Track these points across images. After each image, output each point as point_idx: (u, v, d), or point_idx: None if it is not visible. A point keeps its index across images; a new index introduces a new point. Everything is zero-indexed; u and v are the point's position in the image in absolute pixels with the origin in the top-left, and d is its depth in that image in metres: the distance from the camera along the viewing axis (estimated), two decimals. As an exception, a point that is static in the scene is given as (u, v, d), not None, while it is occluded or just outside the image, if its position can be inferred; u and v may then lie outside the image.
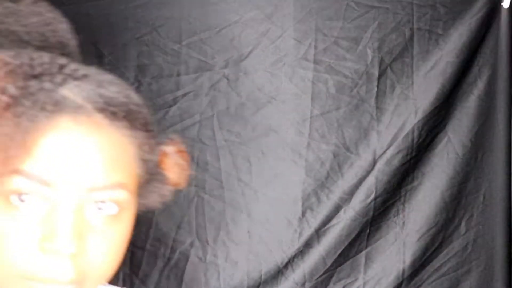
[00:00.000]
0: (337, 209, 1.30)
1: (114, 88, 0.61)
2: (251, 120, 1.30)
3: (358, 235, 1.32)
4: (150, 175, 0.65)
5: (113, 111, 0.59)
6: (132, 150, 0.61)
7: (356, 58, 1.29)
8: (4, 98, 0.55)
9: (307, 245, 1.29)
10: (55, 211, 0.56)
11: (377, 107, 1.30)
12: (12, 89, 0.55)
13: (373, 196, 1.31)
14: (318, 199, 1.31)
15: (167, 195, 0.69)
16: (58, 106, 0.56)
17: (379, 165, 1.31)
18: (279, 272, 1.30)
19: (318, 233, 1.30)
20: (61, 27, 0.73)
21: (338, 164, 1.31)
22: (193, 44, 1.26)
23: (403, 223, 1.33)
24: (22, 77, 0.57)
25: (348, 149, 1.31)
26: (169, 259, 1.30)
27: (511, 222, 1.32)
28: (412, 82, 1.30)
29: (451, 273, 1.34)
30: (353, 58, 1.29)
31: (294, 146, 1.29)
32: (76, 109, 0.57)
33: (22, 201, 0.55)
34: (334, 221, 1.31)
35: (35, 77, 0.57)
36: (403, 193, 1.33)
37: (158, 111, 1.26)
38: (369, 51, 1.29)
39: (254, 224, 1.30)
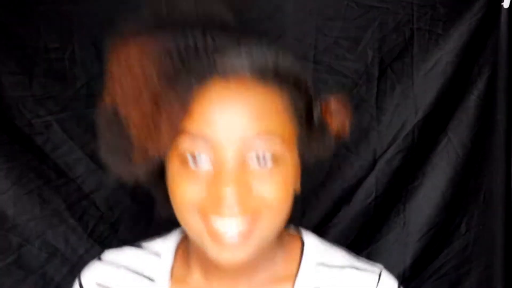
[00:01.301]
0: (337, 209, 1.30)
1: (263, 50, 0.70)
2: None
3: (358, 235, 1.32)
4: (310, 125, 0.74)
5: (262, 71, 0.68)
6: (284, 103, 0.69)
7: (356, 58, 1.29)
8: (164, 67, 0.65)
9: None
10: (220, 166, 0.66)
11: (377, 107, 1.30)
12: (168, 59, 0.66)
13: (373, 196, 1.31)
14: (318, 199, 1.30)
15: (330, 145, 0.77)
16: (211, 71, 0.66)
17: (380, 165, 1.31)
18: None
19: (318, 233, 1.29)
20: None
21: (338, 164, 1.30)
22: (193, 44, 1.26)
23: (404, 223, 1.32)
24: (176, 49, 0.66)
25: (348, 149, 1.30)
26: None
27: (511, 222, 1.32)
28: (412, 82, 1.29)
29: (452, 273, 1.34)
30: (353, 58, 1.29)
31: (294, 146, 1.29)
32: (228, 72, 0.67)
33: (194, 159, 0.67)
34: (334, 221, 1.31)
35: (189, 46, 0.66)
36: (403, 193, 1.32)
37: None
38: (369, 51, 1.29)
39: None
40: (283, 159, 0.69)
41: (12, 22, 1.20)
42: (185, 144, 0.67)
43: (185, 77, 0.65)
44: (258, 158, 0.67)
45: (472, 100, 1.30)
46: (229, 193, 0.65)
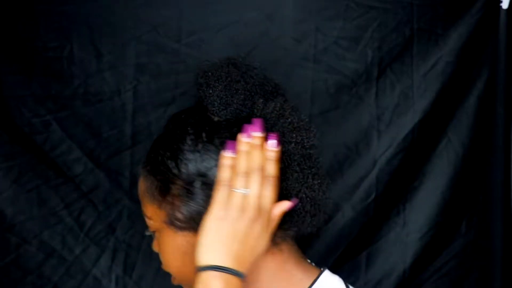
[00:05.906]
0: (337, 209, 1.30)
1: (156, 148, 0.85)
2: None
3: (359, 235, 1.32)
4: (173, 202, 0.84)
5: (143, 164, 0.84)
6: (142, 188, 0.84)
7: (356, 58, 1.29)
8: None
9: (307, 245, 1.29)
10: None
11: (377, 107, 1.30)
12: None
13: (373, 196, 1.31)
14: (318, 199, 1.30)
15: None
16: None
17: (380, 165, 1.30)
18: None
19: (318, 232, 1.29)
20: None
21: (338, 164, 1.30)
22: (193, 43, 1.26)
23: (404, 223, 1.32)
24: None
25: (348, 148, 1.30)
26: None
27: (511, 222, 1.31)
28: (412, 82, 1.29)
29: (452, 273, 1.34)
30: (353, 58, 1.29)
31: (294, 145, 1.29)
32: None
33: None
34: (334, 221, 1.30)
35: None
36: (403, 193, 1.32)
37: (157, 110, 1.26)
38: (369, 51, 1.29)
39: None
40: (160, 234, 0.84)
41: (11, 21, 1.20)
42: None
43: None
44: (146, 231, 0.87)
45: (472, 100, 1.30)
46: None
